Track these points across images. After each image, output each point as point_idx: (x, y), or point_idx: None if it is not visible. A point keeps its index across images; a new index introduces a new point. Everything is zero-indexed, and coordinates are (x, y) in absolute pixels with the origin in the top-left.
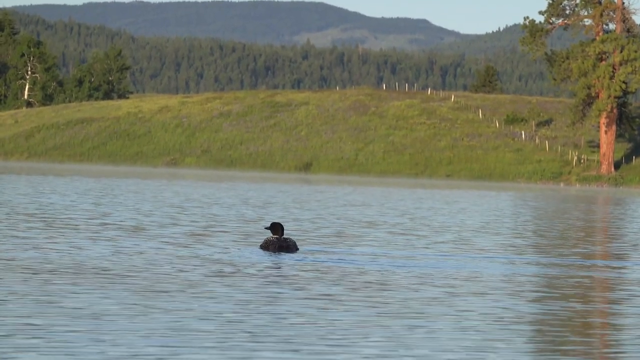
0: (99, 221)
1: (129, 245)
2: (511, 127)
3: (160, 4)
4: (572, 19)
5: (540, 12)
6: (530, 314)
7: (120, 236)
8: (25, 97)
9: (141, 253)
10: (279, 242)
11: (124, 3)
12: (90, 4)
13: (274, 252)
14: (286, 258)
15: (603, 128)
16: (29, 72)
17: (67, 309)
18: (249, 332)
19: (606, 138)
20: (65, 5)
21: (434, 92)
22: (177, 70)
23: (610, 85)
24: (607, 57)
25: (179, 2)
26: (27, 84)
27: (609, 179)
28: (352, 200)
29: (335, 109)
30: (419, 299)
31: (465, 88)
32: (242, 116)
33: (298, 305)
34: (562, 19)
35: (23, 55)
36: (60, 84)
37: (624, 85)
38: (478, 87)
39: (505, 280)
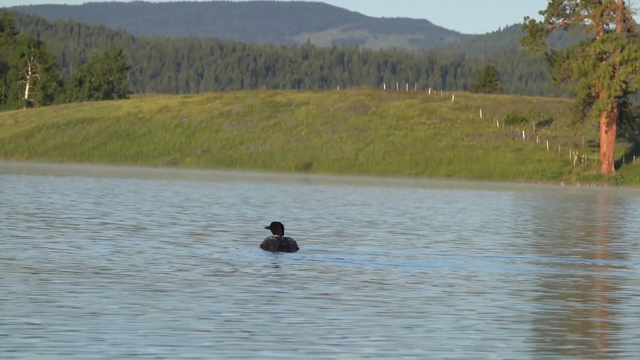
0: (99, 221)
1: (128, 245)
2: (511, 127)
3: (161, 4)
4: (573, 18)
5: (541, 12)
6: (530, 313)
7: (120, 236)
8: (26, 97)
9: (141, 252)
10: (279, 241)
11: (124, 3)
12: (90, 4)
13: (274, 251)
14: (286, 257)
15: (603, 128)
16: (29, 72)
17: (66, 308)
18: (249, 332)
19: (606, 138)
20: (65, 5)
21: (434, 92)
22: (177, 70)
23: (610, 85)
24: (608, 57)
25: (179, 2)
26: (28, 84)
27: (609, 178)
28: (352, 199)
29: (335, 109)
30: (418, 298)
31: (465, 88)
32: (242, 116)
33: (298, 305)
34: (563, 18)
35: (23, 55)
36: (61, 84)
37: (624, 85)
38: (478, 87)
39: (505, 279)
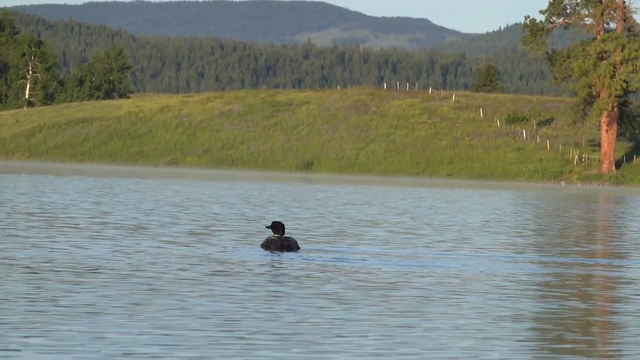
0: (99, 220)
1: (128, 244)
2: (512, 126)
3: (161, 3)
4: (573, 18)
5: (541, 11)
6: (530, 313)
7: (120, 235)
8: (26, 96)
9: (141, 252)
10: (280, 241)
11: (124, 3)
12: (90, 3)
13: (276, 251)
14: (287, 257)
15: (604, 127)
16: (30, 72)
17: (66, 308)
18: (249, 331)
19: (607, 137)
20: (65, 5)
21: (435, 91)
22: (178, 69)
23: (611, 85)
24: (608, 56)
25: (179, 2)
26: (28, 83)
27: (610, 177)
28: (352, 199)
29: (336, 108)
30: (418, 297)
31: (466, 87)
32: (243, 115)
33: (298, 304)
34: (563, 18)
35: (24, 54)
36: (61, 83)
37: (624, 85)
38: (479, 86)
39: (506, 279)
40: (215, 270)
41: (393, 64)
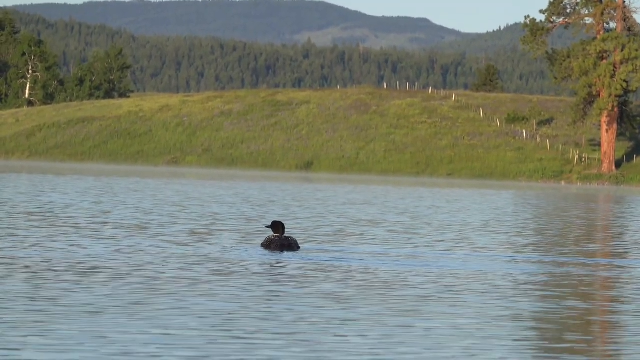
0: (99, 220)
1: (128, 244)
2: (512, 126)
3: (161, 3)
4: (573, 17)
5: (541, 11)
6: (530, 313)
7: (120, 235)
8: (26, 96)
9: (141, 251)
10: (280, 240)
11: (124, 2)
12: (90, 3)
13: (276, 250)
14: (288, 256)
15: (604, 127)
16: (30, 71)
17: (66, 307)
18: (249, 330)
19: (607, 137)
20: (65, 5)
21: (435, 91)
22: (178, 69)
23: (611, 84)
24: (608, 55)
25: (179, 1)
26: (28, 83)
27: (610, 177)
28: (353, 199)
29: (336, 107)
30: (418, 297)
31: (466, 87)
32: (243, 115)
33: (298, 303)
34: (563, 17)
35: (24, 54)
36: (61, 83)
37: (624, 84)
38: (479, 86)
39: (505, 278)
40: (215, 270)
41: (393, 63)
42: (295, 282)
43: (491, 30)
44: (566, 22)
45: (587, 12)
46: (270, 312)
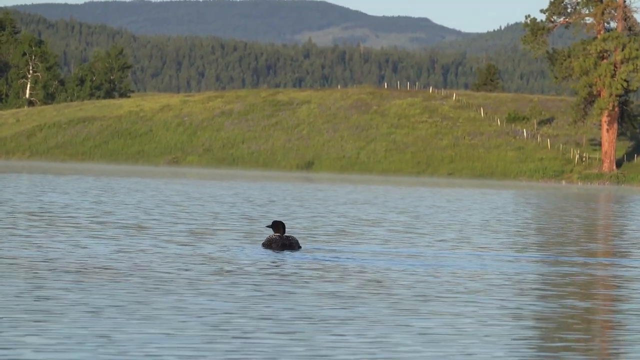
0: (100, 219)
1: (129, 244)
2: (513, 125)
3: (162, 2)
4: (574, 17)
5: (542, 11)
6: (530, 312)
7: (120, 234)
8: (27, 96)
9: (142, 251)
10: (281, 240)
11: (125, 2)
12: (91, 2)
13: (277, 250)
14: (288, 256)
15: (605, 126)
16: (31, 71)
17: (66, 307)
18: (250, 330)
19: (608, 136)
20: (66, 4)
21: (436, 90)
22: (179, 69)
23: (611, 84)
24: (609, 55)
25: (180, 1)
26: (29, 83)
27: (611, 177)
28: (353, 198)
29: (336, 107)
30: (418, 296)
31: (466, 86)
32: (243, 115)
33: (299, 303)
34: (564, 17)
35: (24, 54)
36: (62, 83)
37: (625, 84)
38: (479, 85)
39: (506, 277)
40: (216, 270)
41: (394, 63)
42: (296, 282)
43: (492, 30)
44: (567, 21)
45: (587, 12)
46: (270, 311)
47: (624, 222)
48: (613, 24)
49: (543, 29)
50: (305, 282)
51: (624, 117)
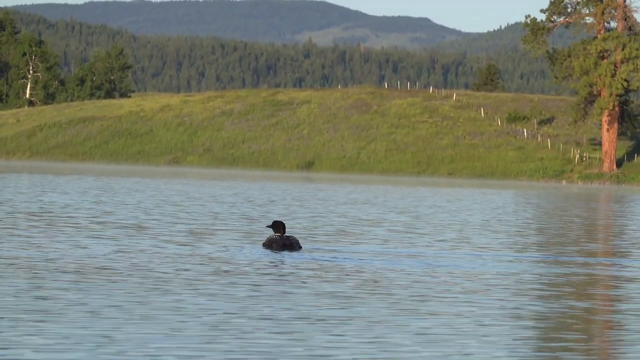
0: (100, 219)
1: (129, 244)
2: (513, 125)
3: (162, 2)
4: (574, 17)
5: (542, 10)
6: (530, 312)
7: (120, 234)
8: (27, 96)
9: (142, 251)
10: (282, 240)
11: (125, 2)
12: (91, 3)
13: (277, 250)
14: (288, 256)
15: (605, 126)
16: (31, 71)
17: (66, 307)
18: (250, 330)
19: (608, 136)
20: (66, 4)
21: (436, 90)
22: (179, 69)
23: (612, 84)
24: (609, 55)
25: (180, 1)
26: (29, 83)
27: (611, 176)
28: (354, 198)
29: (337, 107)
30: (418, 296)
31: (467, 86)
32: (244, 115)
33: (299, 303)
34: (564, 17)
35: (25, 54)
36: (62, 83)
37: (625, 84)
38: (480, 85)
39: (506, 277)
40: (216, 270)
41: (394, 63)
42: (295, 282)
43: (492, 30)
44: (567, 21)
45: (587, 12)
46: (269, 311)
47: (624, 222)
48: (613, 24)
49: (543, 28)
50: (305, 282)
51: (624, 116)
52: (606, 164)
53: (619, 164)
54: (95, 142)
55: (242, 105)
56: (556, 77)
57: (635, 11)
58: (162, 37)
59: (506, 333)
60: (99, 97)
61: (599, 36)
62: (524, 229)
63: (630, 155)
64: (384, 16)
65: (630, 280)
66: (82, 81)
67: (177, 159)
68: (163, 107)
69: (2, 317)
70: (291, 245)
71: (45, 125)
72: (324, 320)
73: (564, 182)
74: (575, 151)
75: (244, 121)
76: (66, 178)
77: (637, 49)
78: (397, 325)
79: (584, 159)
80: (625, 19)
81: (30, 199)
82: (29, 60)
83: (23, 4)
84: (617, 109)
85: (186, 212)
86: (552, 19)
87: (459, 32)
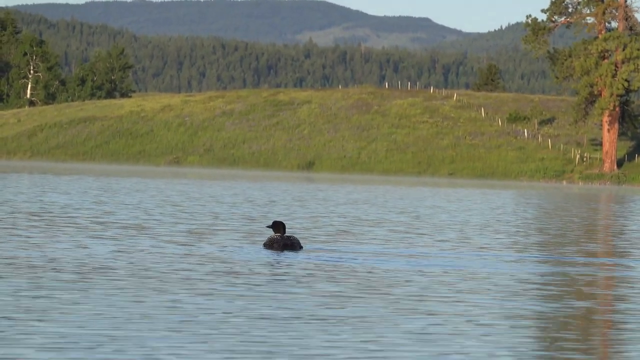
0: (100, 220)
1: (129, 244)
2: (514, 125)
3: (163, 2)
4: (575, 17)
5: (543, 10)
6: (531, 312)
7: (121, 234)
8: (28, 96)
9: (142, 251)
10: (283, 240)
11: (126, 2)
12: (92, 2)
13: (279, 250)
14: (290, 256)
15: (605, 126)
16: (32, 71)
17: (66, 307)
18: (249, 330)
19: (609, 136)
20: (67, 4)
21: (437, 90)
22: (180, 69)
23: (612, 84)
24: (610, 55)
25: (181, 1)
26: (30, 83)
27: (612, 177)
28: (354, 198)
29: (337, 107)
30: (418, 296)
31: (467, 86)
32: (244, 115)
33: (298, 303)
34: (565, 17)
35: (25, 54)
36: (63, 82)
37: (626, 84)
38: (480, 85)
39: (507, 278)
40: (218, 270)
41: (394, 63)
42: (295, 282)
43: (492, 30)
44: (568, 21)
45: (588, 12)
46: (270, 311)
47: (624, 222)
48: (614, 24)
49: (544, 28)
50: (304, 282)
51: (625, 117)
52: (607, 164)
53: (620, 164)
54: (95, 142)
55: (242, 105)
56: (557, 77)
57: (636, 11)
58: (163, 37)
59: (506, 333)
60: (99, 97)
61: (599, 36)
62: (524, 229)
63: (630, 156)
64: (384, 16)
65: (631, 280)
66: (82, 81)
67: (178, 159)
68: (164, 107)
69: (3, 317)
70: (292, 245)
71: (46, 126)
72: (324, 320)
73: (564, 182)
74: (576, 151)
75: (245, 121)
76: (67, 178)
77: (638, 49)
78: (397, 326)
79: (585, 159)
80: (626, 19)
81: (31, 199)
82: (30, 60)
83: (24, 3)
84: (617, 109)
85: (187, 212)
86: (553, 19)
87: (459, 32)
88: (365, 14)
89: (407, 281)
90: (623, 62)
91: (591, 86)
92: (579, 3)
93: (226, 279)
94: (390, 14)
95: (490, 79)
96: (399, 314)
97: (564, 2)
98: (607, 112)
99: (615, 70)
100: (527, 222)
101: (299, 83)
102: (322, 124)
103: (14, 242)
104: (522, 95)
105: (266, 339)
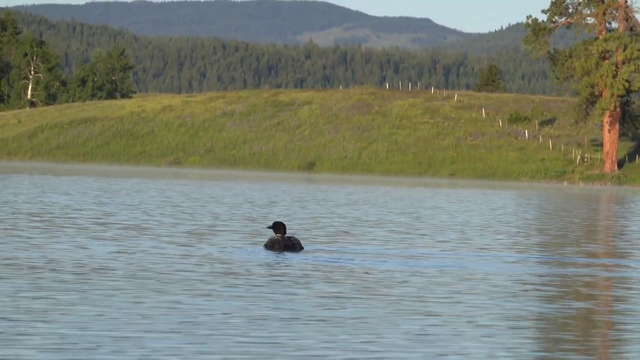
0: (101, 220)
1: (130, 244)
2: (514, 126)
3: (163, 3)
4: (575, 17)
5: (543, 11)
6: (531, 313)
7: (121, 235)
8: (29, 96)
9: (142, 252)
10: (284, 241)
11: (126, 2)
12: (92, 3)
13: (279, 251)
14: (291, 257)
15: (606, 127)
16: (32, 72)
17: (66, 307)
18: (252, 330)
19: (609, 137)
20: (67, 5)
21: (437, 91)
22: (180, 69)
23: (613, 84)
24: (610, 55)
25: (181, 2)
26: (30, 83)
27: (612, 177)
28: (355, 199)
29: (338, 108)
30: (418, 296)
31: (468, 87)
32: (245, 115)
33: (298, 303)
34: (565, 17)
35: (26, 55)
36: (64, 83)
37: (627, 84)
38: (481, 86)
39: (507, 278)
40: (218, 271)
41: (395, 63)
42: (296, 282)
43: (493, 30)
44: (568, 22)
45: (589, 12)
46: (269, 312)
47: (625, 223)
48: (614, 25)
49: (544, 29)
50: (304, 282)
51: (625, 117)
52: (607, 165)
53: (620, 164)
54: (96, 143)
55: (243, 106)
56: (557, 78)
57: (637, 12)
58: (163, 38)
59: (506, 333)
60: (100, 98)
61: (600, 37)
62: (524, 229)
63: (631, 156)
64: (385, 17)
65: (631, 281)
66: (83, 82)
67: (179, 159)
68: (164, 108)
69: (3, 317)
70: (293, 246)
71: (46, 126)
72: (323, 320)
73: (565, 183)
74: (577, 152)
75: (245, 122)
76: (67, 179)
77: (639, 50)
78: (397, 326)
79: (585, 159)
80: (627, 20)
81: (31, 200)
82: (31, 61)
83: (24, 4)
84: (618, 109)
85: (187, 213)
86: (554, 20)
87: (460, 33)
88: (366, 15)
89: (406, 282)
90: (624, 63)
91: (592, 87)
92: (579, 3)
93: (226, 280)
94: (390, 14)
95: (491, 80)
96: (398, 315)
97: (564, 2)
98: (607, 113)
99: (615, 70)
100: (527, 222)
101: (300, 84)
102: (322, 125)
103: (14, 242)
104: (523, 96)
105: (265, 339)
